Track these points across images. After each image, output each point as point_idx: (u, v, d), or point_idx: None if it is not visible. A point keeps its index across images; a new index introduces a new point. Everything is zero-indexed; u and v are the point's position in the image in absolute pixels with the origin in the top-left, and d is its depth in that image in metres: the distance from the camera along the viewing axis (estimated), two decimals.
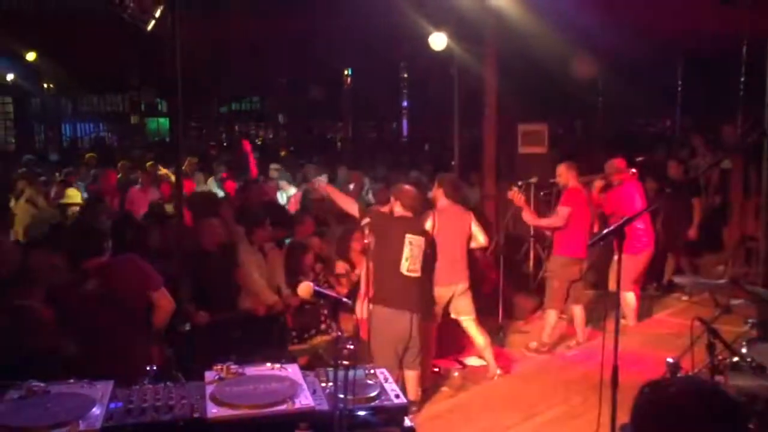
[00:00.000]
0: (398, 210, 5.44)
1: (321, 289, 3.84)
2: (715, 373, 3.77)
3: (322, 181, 6.56)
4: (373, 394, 3.05)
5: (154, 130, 26.17)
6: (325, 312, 6.14)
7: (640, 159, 9.09)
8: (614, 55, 12.93)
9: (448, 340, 6.49)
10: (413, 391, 5.37)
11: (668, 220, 8.58)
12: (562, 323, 7.17)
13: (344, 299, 4.00)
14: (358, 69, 19.10)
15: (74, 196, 8.87)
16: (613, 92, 15.98)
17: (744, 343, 4.08)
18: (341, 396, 2.78)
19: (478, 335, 6.11)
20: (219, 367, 3.17)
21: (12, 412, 2.78)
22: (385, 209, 5.72)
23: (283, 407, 2.86)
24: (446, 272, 5.86)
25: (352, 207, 5.67)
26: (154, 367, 3.18)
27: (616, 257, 6.05)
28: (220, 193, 9.41)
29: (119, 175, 10.82)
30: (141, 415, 2.78)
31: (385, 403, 3.03)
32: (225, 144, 22.05)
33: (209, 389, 2.98)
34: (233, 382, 3.06)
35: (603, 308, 7.16)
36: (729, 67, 10.36)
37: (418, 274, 5.35)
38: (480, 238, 6.02)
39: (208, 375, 3.14)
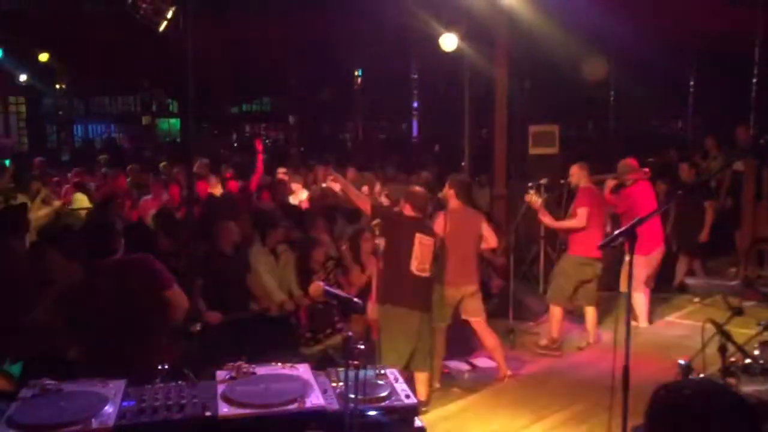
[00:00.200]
0: (408, 211, 5.45)
1: (332, 290, 3.85)
2: (727, 375, 3.74)
3: (335, 175, 6.60)
4: (383, 394, 3.06)
5: (165, 131, 26.32)
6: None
7: (650, 160, 9.06)
8: (626, 56, 12.90)
9: (459, 341, 6.48)
10: (423, 393, 5.37)
11: (679, 222, 8.54)
12: (567, 323, 7.15)
13: (355, 300, 4.00)
14: (368, 70, 19.13)
15: (81, 200, 8.89)
16: (625, 93, 15.91)
17: (756, 345, 4.05)
18: (352, 396, 2.78)
19: (488, 336, 6.11)
20: (230, 366, 3.19)
21: (26, 410, 2.80)
22: (395, 209, 5.74)
23: (293, 407, 2.87)
24: (457, 273, 5.85)
25: (364, 203, 5.68)
26: (166, 366, 3.20)
27: (626, 258, 6.03)
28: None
29: (128, 179, 10.84)
30: (153, 414, 2.80)
31: (396, 403, 3.04)
32: (235, 145, 22.12)
33: (220, 388, 3.00)
34: (244, 382, 3.07)
35: (612, 309, 7.16)
36: (741, 67, 10.31)
37: (427, 274, 5.36)
38: (490, 240, 6.02)
39: (220, 374, 3.16)
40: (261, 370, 3.21)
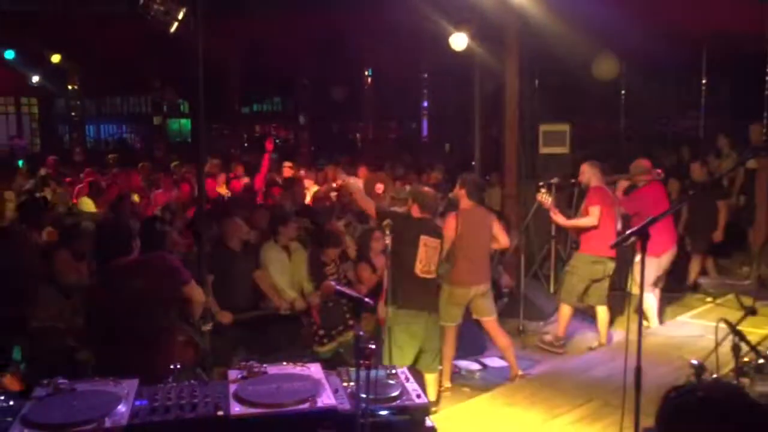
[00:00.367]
0: (416, 211, 5.45)
1: (342, 288, 3.86)
2: (741, 375, 3.72)
3: (342, 178, 6.61)
4: (394, 393, 3.06)
5: (176, 131, 26.42)
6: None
7: (662, 160, 9.01)
8: (637, 55, 12.83)
9: (470, 341, 6.47)
10: (432, 393, 5.37)
11: (692, 221, 8.49)
12: (577, 322, 7.12)
13: (365, 299, 4.01)
14: (378, 69, 19.12)
15: (87, 204, 8.94)
16: (636, 92, 15.83)
17: None
18: (363, 396, 2.79)
19: (499, 336, 6.10)
20: (242, 365, 3.20)
21: (39, 410, 2.82)
22: (403, 210, 5.73)
23: (305, 406, 2.87)
24: (468, 273, 5.84)
25: (369, 206, 5.69)
26: (179, 366, 3.21)
27: (637, 258, 6.00)
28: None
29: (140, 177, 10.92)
30: (166, 413, 2.81)
31: (407, 402, 3.04)
32: (246, 144, 22.17)
33: (232, 388, 3.01)
34: (256, 381, 3.08)
35: (622, 309, 7.12)
36: (754, 65, 10.23)
37: (432, 276, 5.36)
38: (501, 240, 6.01)
39: (231, 374, 3.17)
40: (272, 369, 3.23)
